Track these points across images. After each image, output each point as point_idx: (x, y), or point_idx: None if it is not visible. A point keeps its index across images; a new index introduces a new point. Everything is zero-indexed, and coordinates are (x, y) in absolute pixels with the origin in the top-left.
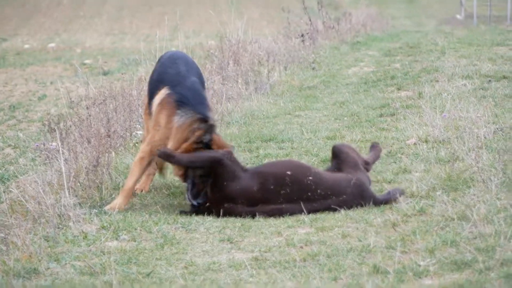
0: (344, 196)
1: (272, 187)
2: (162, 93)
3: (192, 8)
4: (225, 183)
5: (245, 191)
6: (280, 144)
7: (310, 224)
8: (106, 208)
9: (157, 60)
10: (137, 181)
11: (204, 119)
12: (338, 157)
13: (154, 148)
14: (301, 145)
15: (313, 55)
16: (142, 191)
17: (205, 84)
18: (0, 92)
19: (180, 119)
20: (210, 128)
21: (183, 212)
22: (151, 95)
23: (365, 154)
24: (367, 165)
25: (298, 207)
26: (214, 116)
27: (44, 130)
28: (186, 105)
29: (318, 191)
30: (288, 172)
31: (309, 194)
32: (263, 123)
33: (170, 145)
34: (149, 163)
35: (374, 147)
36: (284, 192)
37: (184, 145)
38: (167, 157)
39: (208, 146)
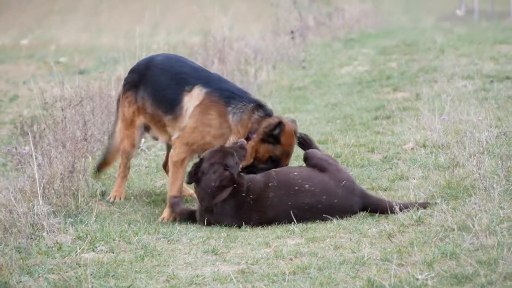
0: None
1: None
2: (197, 93)
3: (174, 2)
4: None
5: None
6: None
7: (300, 235)
8: (160, 219)
9: (135, 69)
10: (182, 186)
11: (259, 105)
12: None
13: (198, 149)
14: None
15: (304, 53)
16: (120, 198)
17: None
18: None
19: (236, 116)
20: (271, 118)
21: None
22: (172, 102)
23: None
24: None
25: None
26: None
27: (16, 133)
28: (232, 99)
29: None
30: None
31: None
32: None
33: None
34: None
35: None
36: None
37: (253, 145)
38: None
39: (277, 139)
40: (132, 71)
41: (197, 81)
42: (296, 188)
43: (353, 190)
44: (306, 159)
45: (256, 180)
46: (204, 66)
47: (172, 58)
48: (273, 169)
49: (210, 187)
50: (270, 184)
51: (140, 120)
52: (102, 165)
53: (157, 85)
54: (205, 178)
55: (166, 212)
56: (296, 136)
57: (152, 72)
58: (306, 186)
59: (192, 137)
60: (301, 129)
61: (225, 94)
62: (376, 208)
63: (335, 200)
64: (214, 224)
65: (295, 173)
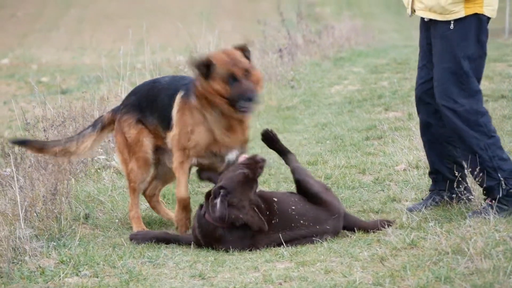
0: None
1: None
2: (177, 100)
3: (159, 20)
4: None
5: None
6: None
7: (289, 259)
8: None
9: (136, 91)
10: (187, 187)
11: None
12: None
13: (192, 153)
14: (279, 171)
15: (292, 72)
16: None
17: None
18: None
19: (189, 91)
20: None
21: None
22: (169, 118)
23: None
24: None
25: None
26: None
27: None
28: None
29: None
30: None
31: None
32: None
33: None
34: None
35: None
36: None
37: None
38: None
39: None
40: (133, 93)
41: (181, 88)
42: (292, 225)
43: (340, 217)
44: (300, 188)
45: (260, 209)
46: None
47: (177, 78)
48: (274, 201)
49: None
50: (273, 222)
51: (149, 140)
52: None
53: (162, 106)
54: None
55: (177, 214)
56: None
57: (158, 95)
58: (301, 221)
59: (181, 142)
60: (291, 150)
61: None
62: (353, 226)
63: (328, 227)
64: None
65: (293, 207)
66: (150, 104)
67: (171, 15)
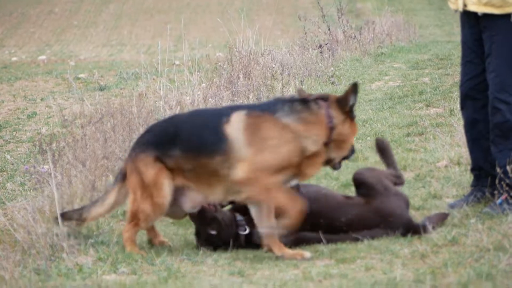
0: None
1: None
2: (235, 118)
3: (198, 15)
4: None
5: None
6: None
7: (329, 256)
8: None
9: (151, 128)
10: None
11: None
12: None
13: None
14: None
15: (333, 68)
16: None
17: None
18: None
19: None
20: None
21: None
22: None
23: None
24: (397, 178)
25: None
26: None
27: (34, 152)
28: (273, 106)
29: None
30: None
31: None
32: None
33: None
34: None
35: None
36: None
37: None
38: None
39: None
40: (147, 131)
41: (231, 110)
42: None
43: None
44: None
45: None
46: (229, 82)
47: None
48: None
49: None
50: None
51: (169, 182)
52: None
53: (196, 132)
54: None
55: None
56: None
57: (182, 126)
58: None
59: (269, 163)
60: None
61: (263, 107)
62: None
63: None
64: None
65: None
66: (172, 136)
67: (210, 11)
